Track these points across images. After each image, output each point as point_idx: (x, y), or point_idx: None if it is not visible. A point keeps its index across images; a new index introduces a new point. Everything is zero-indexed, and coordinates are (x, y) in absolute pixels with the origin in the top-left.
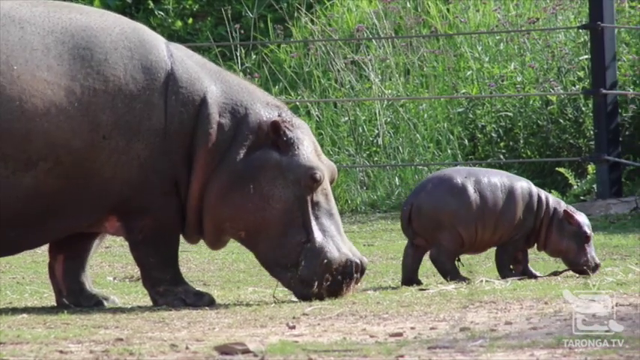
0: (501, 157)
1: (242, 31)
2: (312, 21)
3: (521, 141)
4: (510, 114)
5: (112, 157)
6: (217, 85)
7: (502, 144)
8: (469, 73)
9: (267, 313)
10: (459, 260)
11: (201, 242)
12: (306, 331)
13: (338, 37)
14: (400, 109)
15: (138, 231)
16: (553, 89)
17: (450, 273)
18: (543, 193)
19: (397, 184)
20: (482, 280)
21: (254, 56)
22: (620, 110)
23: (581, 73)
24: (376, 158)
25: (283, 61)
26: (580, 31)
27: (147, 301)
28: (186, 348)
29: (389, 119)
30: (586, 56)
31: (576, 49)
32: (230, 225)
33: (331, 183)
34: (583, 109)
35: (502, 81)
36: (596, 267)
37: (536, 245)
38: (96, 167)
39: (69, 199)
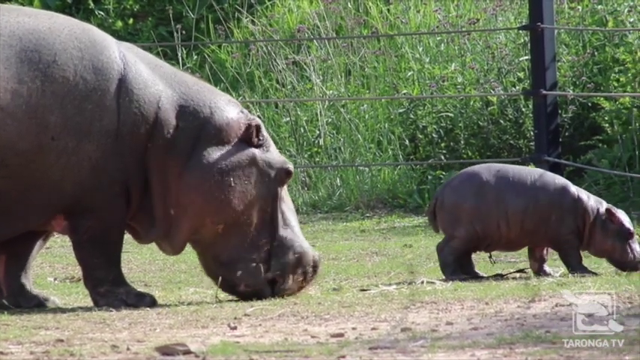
0: (442, 157)
1: (183, 32)
2: (252, 21)
3: (462, 142)
4: (451, 114)
5: (62, 159)
6: (174, 87)
7: (443, 144)
8: (410, 73)
9: (209, 314)
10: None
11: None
12: (248, 332)
13: (279, 37)
14: (341, 109)
15: (84, 231)
16: (493, 90)
17: (448, 267)
18: (584, 193)
19: (338, 184)
20: (423, 281)
21: (195, 56)
22: (560, 111)
23: (521, 74)
24: (317, 159)
25: (225, 62)
26: (520, 31)
27: (88, 302)
28: (127, 349)
29: (330, 120)
30: (526, 57)
31: (516, 50)
32: (211, 220)
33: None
34: (523, 109)
35: (443, 82)
36: None
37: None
38: (44, 169)
39: (17, 201)
